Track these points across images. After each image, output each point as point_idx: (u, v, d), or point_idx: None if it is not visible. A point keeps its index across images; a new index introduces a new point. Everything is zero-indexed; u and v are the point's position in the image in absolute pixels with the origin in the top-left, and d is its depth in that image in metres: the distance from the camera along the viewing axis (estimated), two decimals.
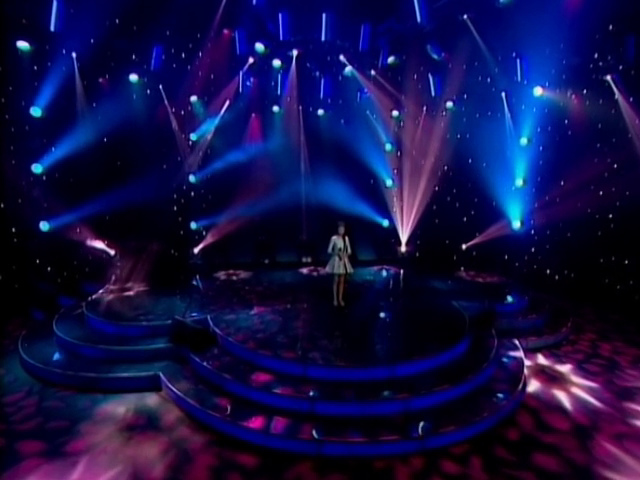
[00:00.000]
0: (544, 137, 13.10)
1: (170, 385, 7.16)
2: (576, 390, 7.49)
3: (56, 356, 8.30)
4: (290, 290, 11.69)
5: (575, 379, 7.88)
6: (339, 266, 9.64)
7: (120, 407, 6.93)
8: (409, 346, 7.91)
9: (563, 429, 6.40)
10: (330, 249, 9.64)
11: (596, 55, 11.67)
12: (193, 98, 13.57)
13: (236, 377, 7.02)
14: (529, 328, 9.72)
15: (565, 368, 8.33)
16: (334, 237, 9.64)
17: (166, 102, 13.11)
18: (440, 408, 6.55)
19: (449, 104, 14.08)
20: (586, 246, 12.43)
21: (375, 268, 14.66)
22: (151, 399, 7.19)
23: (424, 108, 14.62)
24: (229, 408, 6.54)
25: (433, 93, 14.20)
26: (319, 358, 7.28)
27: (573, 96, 12.40)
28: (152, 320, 9.11)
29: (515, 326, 9.66)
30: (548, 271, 13.38)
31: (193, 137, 13.92)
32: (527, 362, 8.24)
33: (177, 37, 12.21)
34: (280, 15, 12.25)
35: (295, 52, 13.32)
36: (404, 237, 15.07)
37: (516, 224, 13.61)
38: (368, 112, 14.84)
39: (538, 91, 12.58)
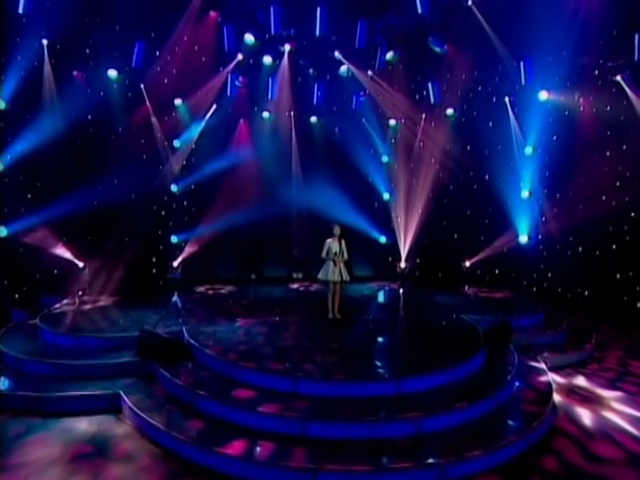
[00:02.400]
0: (550, 145, 12.29)
1: (132, 405, 5.93)
2: (617, 413, 6.34)
3: None
4: (279, 304, 10.55)
5: (613, 401, 6.74)
6: (334, 272, 8.56)
7: (63, 433, 5.61)
8: (416, 361, 6.87)
9: (614, 458, 5.22)
10: (324, 253, 8.59)
11: (604, 55, 11.04)
12: (177, 101, 12.60)
13: (213, 394, 5.85)
14: (548, 344, 8.69)
15: (598, 388, 7.20)
16: (329, 240, 8.64)
17: (147, 103, 12.12)
18: (457, 431, 5.40)
19: (449, 111, 13.30)
20: (601, 261, 11.44)
21: (373, 284, 13.53)
22: (107, 423, 5.91)
23: (423, 116, 13.83)
24: (201, 430, 5.32)
25: (432, 100, 13.44)
26: (312, 371, 6.13)
27: (581, 100, 11.69)
28: (117, 332, 7.89)
29: (533, 342, 8.63)
30: (560, 289, 12.33)
31: (176, 144, 12.89)
32: (553, 380, 7.11)
33: (160, 29, 11.37)
34: (272, 8, 11.50)
35: (287, 47, 12.52)
36: (403, 252, 14.02)
37: (523, 238, 12.66)
38: (364, 120, 14.04)
39: (543, 95, 11.87)
